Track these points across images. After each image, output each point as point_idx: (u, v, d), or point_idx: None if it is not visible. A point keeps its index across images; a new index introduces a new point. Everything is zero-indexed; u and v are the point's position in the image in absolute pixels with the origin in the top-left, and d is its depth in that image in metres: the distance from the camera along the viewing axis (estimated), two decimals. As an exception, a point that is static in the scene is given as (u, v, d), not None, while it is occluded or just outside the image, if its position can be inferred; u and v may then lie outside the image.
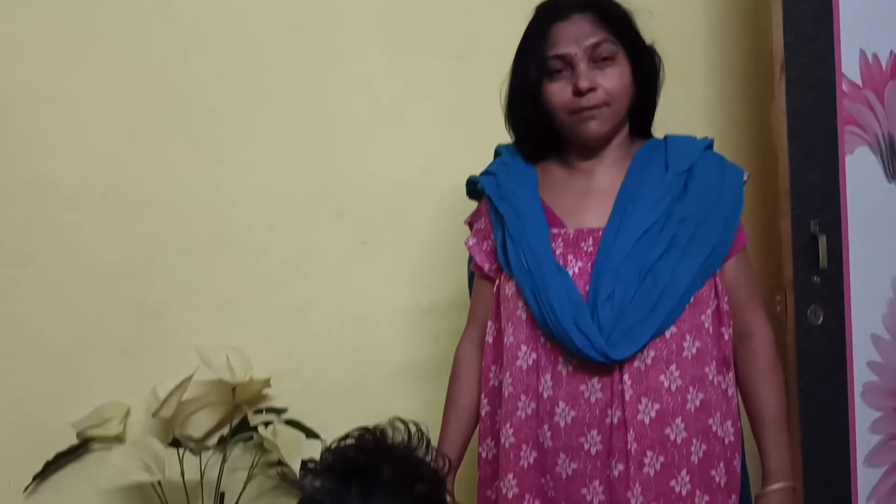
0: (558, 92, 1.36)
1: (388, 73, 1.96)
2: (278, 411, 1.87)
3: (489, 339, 1.44)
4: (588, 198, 1.40)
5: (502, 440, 1.38)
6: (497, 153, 1.51)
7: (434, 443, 1.47)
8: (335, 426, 1.87)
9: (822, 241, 1.78)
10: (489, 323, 1.45)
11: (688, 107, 2.11)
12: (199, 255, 1.88)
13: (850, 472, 1.83)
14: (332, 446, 0.97)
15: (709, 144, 1.45)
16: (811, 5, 1.79)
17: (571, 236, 1.36)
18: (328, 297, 1.94)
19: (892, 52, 1.85)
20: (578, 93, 1.34)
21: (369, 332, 1.96)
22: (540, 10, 1.41)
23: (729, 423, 1.37)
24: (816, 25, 1.80)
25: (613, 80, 1.35)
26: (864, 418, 1.84)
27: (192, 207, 1.88)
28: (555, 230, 1.37)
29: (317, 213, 1.93)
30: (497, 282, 1.44)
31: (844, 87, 1.81)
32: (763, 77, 2.00)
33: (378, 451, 0.94)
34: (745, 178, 1.44)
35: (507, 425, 1.38)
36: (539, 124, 1.40)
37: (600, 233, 1.35)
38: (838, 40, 1.80)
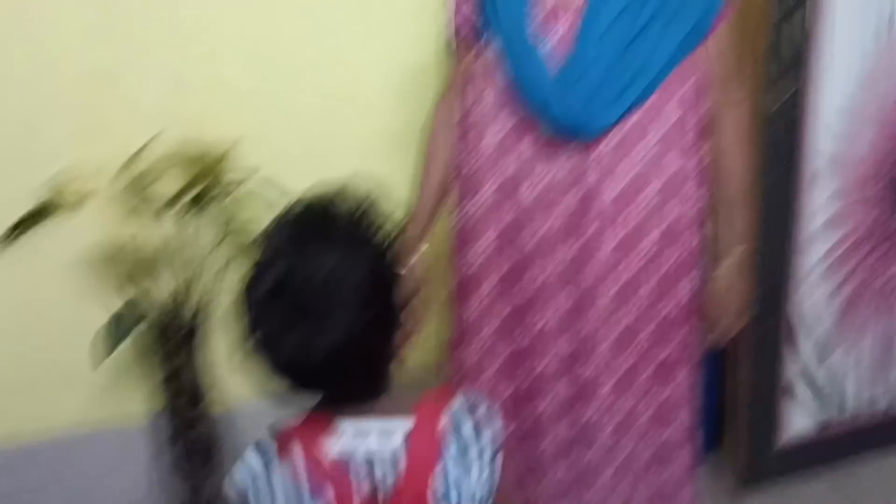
0: None
1: None
2: (246, 176, 1.84)
3: (461, 109, 1.44)
4: None
5: (468, 210, 1.42)
6: None
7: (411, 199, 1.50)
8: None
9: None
10: (465, 90, 1.43)
11: None
12: (158, 14, 1.78)
13: (792, 249, 1.92)
14: (284, 211, 0.97)
15: None
16: None
17: (554, 2, 1.33)
18: (298, 60, 1.87)
19: None
20: None
21: (344, 92, 1.92)
22: None
23: (696, 194, 1.41)
24: None
25: None
26: (824, 187, 1.90)
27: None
28: None
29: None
30: (476, 49, 1.41)
31: None
32: None
33: (327, 213, 0.94)
34: None
35: (473, 196, 1.41)
36: None
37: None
38: None
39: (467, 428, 1.00)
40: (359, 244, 0.92)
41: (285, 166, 1.85)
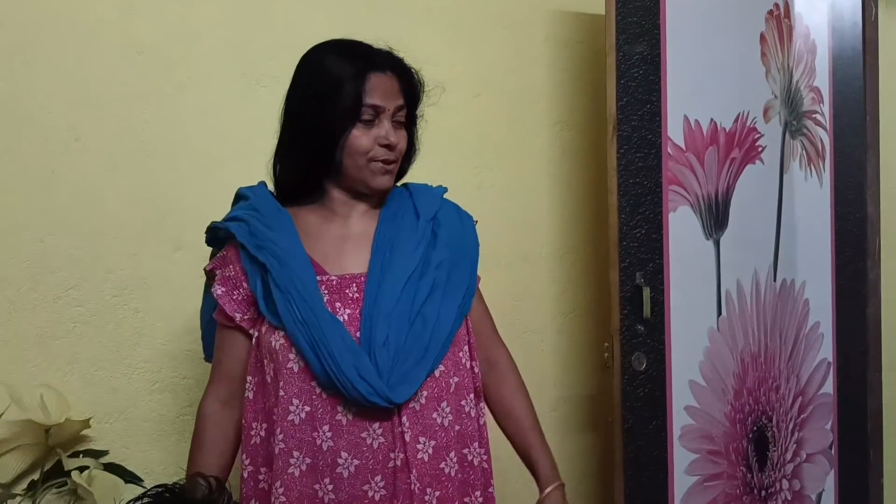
0: (364, 139, 1.36)
1: (236, 104, 1.92)
2: (97, 454, 1.75)
3: (249, 394, 1.39)
4: (346, 244, 1.41)
5: (272, 500, 1.33)
6: (241, 196, 1.45)
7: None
8: (162, 470, 1.82)
9: (646, 293, 1.91)
10: (248, 378, 1.39)
11: (529, 157, 2.21)
12: (17, 284, 1.75)
13: (668, 512, 1.94)
14: None
15: (444, 192, 1.52)
16: (643, 71, 1.94)
17: (335, 283, 1.36)
18: (160, 333, 1.85)
19: (712, 119, 2.02)
20: (388, 146, 1.37)
21: (203, 371, 1.88)
22: (350, 53, 1.38)
23: (483, 451, 1.44)
24: (647, 91, 1.94)
25: (403, 142, 1.41)
26: (681, 460, 1.96)
27: (13, 232, 1.75)
28: (318, 277, 1.35)
29: (152, 245, 1.85)
30: (255, 334, 1.39)
31: (670, 150, 1.96)
32: (600, 134, 2.12)
33: None
34: (475, 222, 1.53)
35: (278, 484, 1.32)
36: (329, 165, 1.38)
37: (363, 278, 1.36)
38: (665, 106, 1.95)
39: None
40: None
41: (138, 446, 1.78)
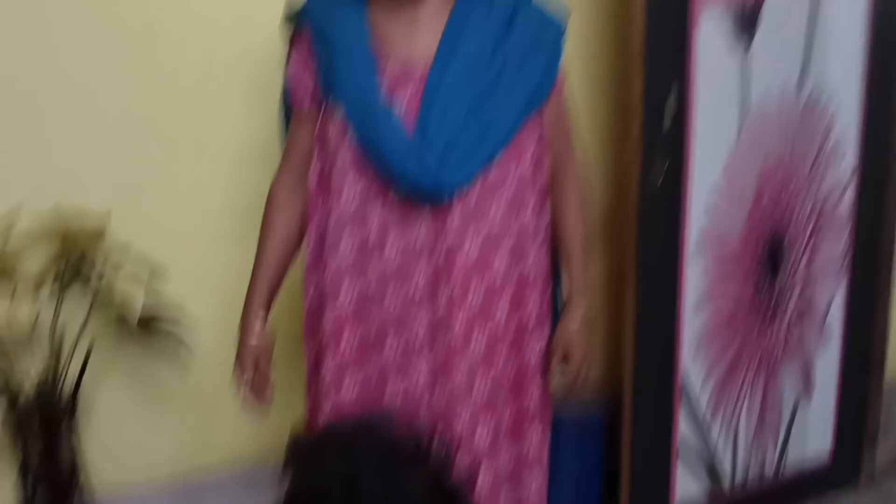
0: None
1: None
2: (118, 250, 1.76)
3: (313, 177, 1.43)
4: (415, 29, 1.38)
5: (326, 278, 1.40)
6: None
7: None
8: (182, 263, 1.85)
9: (670, 100, 1.85)
10: (313, 161, 1.43)
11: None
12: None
13: (677, 317, 1.98)
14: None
15: None
16: None
17: (399, 67, 1.35)
18: (171, 120, 1.82)
19: None
20: None
21: (216, 170, 1.87)
22: None
23: (542, 253, 1.46)
24: None
25: None
26: (695, 266, 1.98)
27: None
28: (382, 63, 1.35)
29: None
30: (319, 118, 1.41)
31: (701, -53, 1.83)
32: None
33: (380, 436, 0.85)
34: (564, 28, 1.46)
35: (332, 263, 1.39)
36: None
37: (428, 66, 1.34)
38: None
39: None
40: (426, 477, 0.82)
41: (159, 239, 1.80)
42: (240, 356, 1.47)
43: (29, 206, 1.65)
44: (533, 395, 1.47)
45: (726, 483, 2.14)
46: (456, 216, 1.35)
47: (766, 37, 1.96)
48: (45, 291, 1.72)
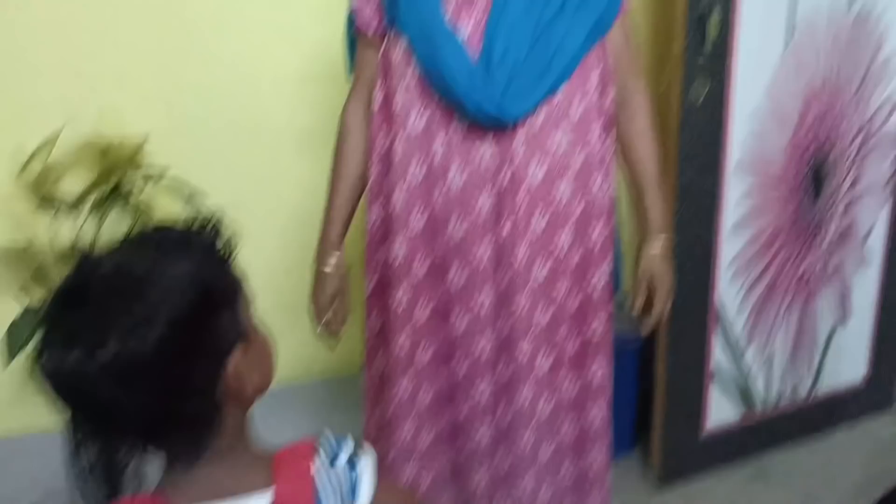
0: None
1: None
2: (158, 173, 1.78)
3: (376, 103, 1.40)
4: None
5: (392, 204, 1.38)
6: None
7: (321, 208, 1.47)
8: (219, 187, 1.86)
9: (714, 17, 1.79)
10: (377, 87, 1.40)
11: None
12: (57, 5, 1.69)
13: (715, 240, 1.96)
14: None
15: None
16: None
17: None
18: (210, 55, 1.81)
19: None
20: None
21: (253, 94, 1.86)
22: None
23: (607, 183, 1.42)
24: None
25: None
26: (735, 188, 1.95)
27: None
28: None
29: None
30: (385, 43, 1.38)
31: None
32: None
33: (152, 229, 0.82)
34: None
35: (398, 189, 1.37)
36: None
37: None
38: None
39: (337, 478, 0.82)
40: (186, 249, 0.77)
41: (196, 163, 1.80)
42: (316, 295, 1.45)
43: (69, 128, 1.65)
44: (596, 327, 1.46)
45: (759, 406, 2.15)
46: (520, 143, 1.32)
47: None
48: (86, 210, 1.73)
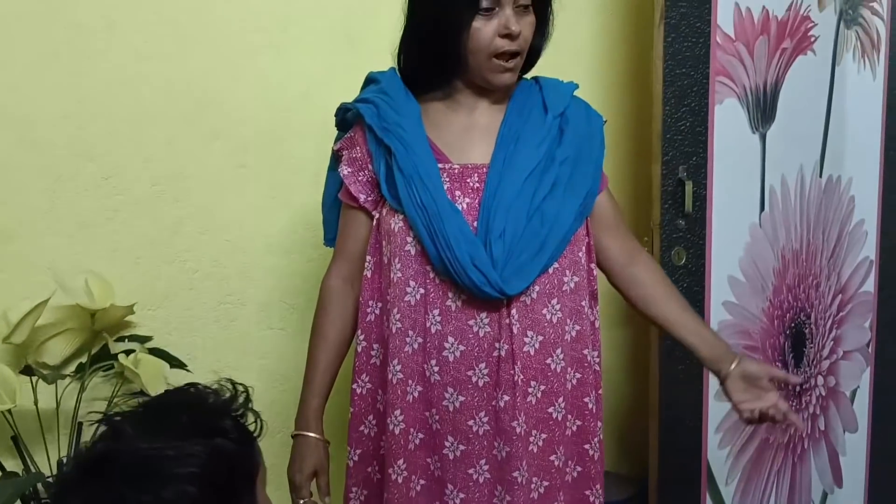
0: (485, 30, 1.31)
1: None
2: (142, 339, 1.79)
3: (367, 273, 1.42)
4: (470, 134, 1.39)
5: (389, 376, 1.38)
6: (371, 80, 1.45)
7: (299, 378, 1.47)
8: (204, 356, 1.87)
9: (689, 187, 1.87)
10: (367, 257, 1.42)
11: (572, 47, 2.14)
12: (57, 173, 1.75)
13: (702, 405, 1.95)
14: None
15: (574, 89, 1.47)
16: (693, -45, 1.84)
17: (457, 171, 1.36)
18: (199, 222, 1.85)
19: (763, 7, 1.93)
20: (509, 35, 1.31)
21: (242, 260, 1.90)
22: None
23: (596, 353, 1.44)
24: (696, -24, 1.85)
25: (529, 28, 1.34)
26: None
27: (51, 121, 1.74)
28: (441, 165, 1.36)
29: (190, 134, 1.83)
30: (377, 215, 1.41)
31: (718, 39, 1.88)
32: (645, 24, 2.04)
33: (183, 398, 0.87)
34: (604, 122, 1.48)
35: (395, 361, 1.37)
36: (450, 60, 1.35)
37: (485, 169, 1.35)
38: (716, -8, 1.86)
39: None
40: (211, 438, 0.81)
41: (180, 333, 1.82)
42: (295, 468, 1.41)
43: (55, 293, 1.67)
44: (593, 501, 1.45)
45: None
46: (515, 316, 1.34)
47: (784, 123, 1.99)
48: (70, 374, 1.73)
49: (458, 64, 1.35)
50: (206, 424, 0.83)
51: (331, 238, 1.52)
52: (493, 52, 1.32)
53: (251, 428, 0.87)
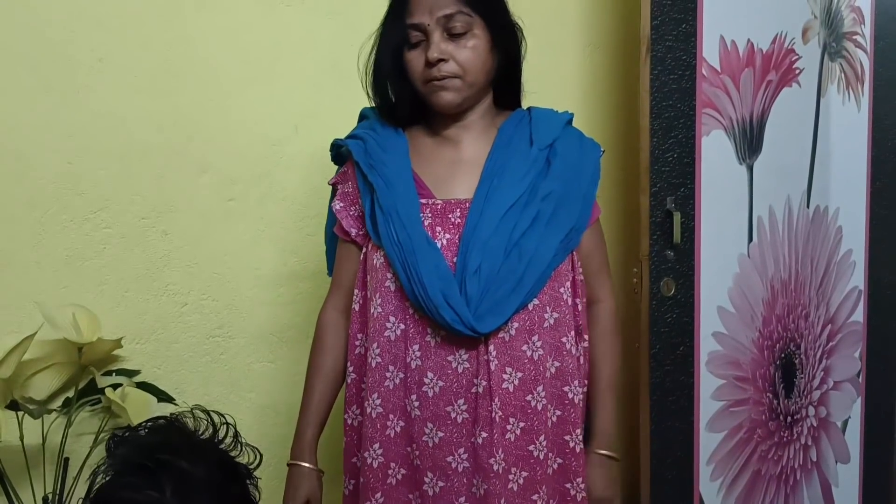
0: (414, 61, 1.37)
1: (259, 25, 1.88)
2: (130, 373, 1.78)
3: (355, 306, 1.43)
4: (456, 168, 1.40)
5: (368, 410, 1.38)
6: (363, 116, 1.49)
7: (294, 410, 1.47)
8: (192, 391, 1.86)
9: (677, 218, 1.88)
10: (356, 290, 1.44)
11: (559, 81, 2.16)
12: (45, 207, 1.75)
13: (693, 436, 1.94)
14: (129, 437, 0.89)
15: (569, 119, 1.48)
16: (678, -11, 1.87)
17: (440, 207, 1.36)
18: (188, 256, 1.85)
19: (748, 40, 1.95)
20: (429, 63, 1.34)
21: (231, 294, 1.89)
22: None
23: (581, 389, 1.43)
24: (682, 10, 1.87)
25: (466, 52, 1.35)
26: (707, 386, 1.96)
27: (40, 154, 1.74)
28: (423, 200, 1.37)
29: (179, 168, 1.84)
30: (364, 249, 1.43)
31: (704, 72, 1.90)
32: (631, 57, 2.06)
33: (190, 447, 0.88)
34: (601, 152, 1.48)
35: (374, 395, 1.37)
36: (406, 91, 1.40)
37: (468, 204, 1.36)
38: (701, 25, 1.89)
39: None
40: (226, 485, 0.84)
41: (168, 366, 1.81)
42: (289, 498, 1.42)
43: (42, 327, 1.66)
44: None
45: None
46: (493, 353, 1.34)
47: (771, 154, 2.00)
48: (56, 406, 1.72)
49: (412, 95, 1.39)
50: (223, 476, 0.86)
51: (331, 269, 1.53)
52: (425, 80, 1.36)
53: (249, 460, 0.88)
